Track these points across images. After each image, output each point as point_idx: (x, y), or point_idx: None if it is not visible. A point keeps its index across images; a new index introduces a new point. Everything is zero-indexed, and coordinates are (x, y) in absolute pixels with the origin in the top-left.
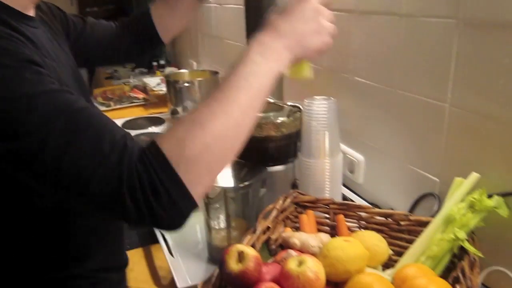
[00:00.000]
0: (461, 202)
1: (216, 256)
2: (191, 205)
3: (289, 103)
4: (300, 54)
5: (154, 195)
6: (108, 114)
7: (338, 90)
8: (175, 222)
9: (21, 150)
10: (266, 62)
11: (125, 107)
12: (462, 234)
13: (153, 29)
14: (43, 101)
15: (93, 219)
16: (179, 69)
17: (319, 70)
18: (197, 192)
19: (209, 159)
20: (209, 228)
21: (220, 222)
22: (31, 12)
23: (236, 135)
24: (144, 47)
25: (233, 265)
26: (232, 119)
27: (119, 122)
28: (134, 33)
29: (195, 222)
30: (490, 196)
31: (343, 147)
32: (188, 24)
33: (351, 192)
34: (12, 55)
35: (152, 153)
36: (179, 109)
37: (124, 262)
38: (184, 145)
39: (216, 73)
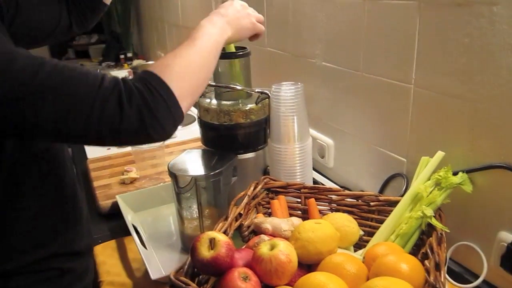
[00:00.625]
0: (427, 180)
1: (190, 245)
2: (181, 115)
3: (257, 90)
4: (238, 30)
5: (154, 105)
6: None
7: (306, 76)
8: (170, 129)
9: (18, 106)
10: (215, 29)
11: None
12: (429, 211)
13: None
14: (19, 55)
15: (47, 205)
16: (147, 61)
17: (286, 56)
18: (184, 105)
19: (191, 80)
20: (181, 218)
21: (192, 212)
22: None
23: (204, 69)
24: (85, 10)
25: (205, 252)
26: (200, 57)
27: None
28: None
29: (168, 214)
30: (455, 173)
31: (313, 132)
32: None
33: (322, 177)
34: None
35: (147, 75)
36: None
37: (86, 248)
38: (172, 68)
39: None
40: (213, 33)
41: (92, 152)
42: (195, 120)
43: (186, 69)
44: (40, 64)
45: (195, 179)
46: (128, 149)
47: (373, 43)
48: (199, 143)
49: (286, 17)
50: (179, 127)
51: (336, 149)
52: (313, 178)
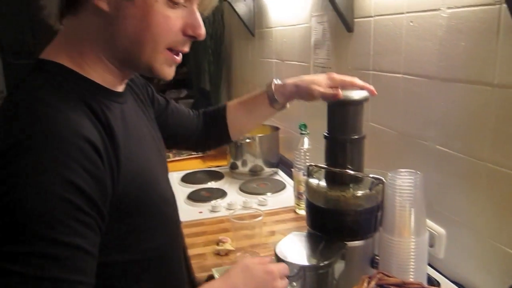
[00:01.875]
0: None
1: None
2: None
3: (371, 175)
4: None
5: None
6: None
7: (415, 156)
8: None
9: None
10: None
11: (184, 159)
12: None
13: (225, 127)
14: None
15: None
16: None
17: (391, 134)
18: None
19: None
20: None
21: None
22: (121, 88)
23: None
24: (212, 142)
25: None
26: None
27: (178, 175)
28: (206, 126)
29: None
30: None
31: None
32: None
33: (430, 268)
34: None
35: None
36: (239, 163)
37: None
38: None
39: (276, 128)
40: None
41: (185, 214)
42: (285, 186)
43: None
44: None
45: (304, 269)
46: (222, 214)
47: (503, 133)
48: (292, 214)
49: (396, 94)
50: (269, 194)
51: (448, 239)
52: None
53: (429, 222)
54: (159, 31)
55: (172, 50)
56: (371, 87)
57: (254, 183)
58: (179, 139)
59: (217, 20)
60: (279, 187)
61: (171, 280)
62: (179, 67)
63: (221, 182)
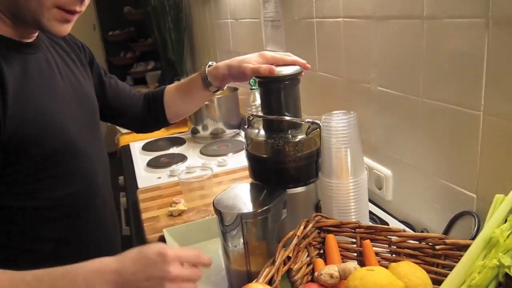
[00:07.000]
0: (504, 223)
1: (236, 283)
2: None
3: (307, 120)
4: None
5: None
6: (128, 135)
7: (361, 101)
8: None
9: None
10: None
11: None
12: (507, 260)
13: (162, 109)
14: None
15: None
16: None
17: (338, 81)
18: None
19: None
20: (227, 255)
21: (239, 248)
22: (29, 39)
23: None
24: (149, 123)
25: None
26: None
27: (139, 144)
28: (145, 107)
29: (217, 248)
30: None
31: (369, 162)
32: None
33: (380, 210)
34: None
35: None
36: (199, 127)
37: None
38: None
39: (235, 89)
40: None
41: (143, 181)
42: None
43: None
44: None
45: (241, 216)
46: (177, 178)
47: (433, 66)
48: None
49: (338, 40)
50: (230, 154)
51: (394, 180)
52: (371, 212)
53: (376, 165)
54: None
55: (63, 8)
56: (303, 61)
57: (215, 145)
58: (117, 113)
59: None
60: (240, 147)
61: (87, 232)
62: (145, 39)
63: (182, 147)
